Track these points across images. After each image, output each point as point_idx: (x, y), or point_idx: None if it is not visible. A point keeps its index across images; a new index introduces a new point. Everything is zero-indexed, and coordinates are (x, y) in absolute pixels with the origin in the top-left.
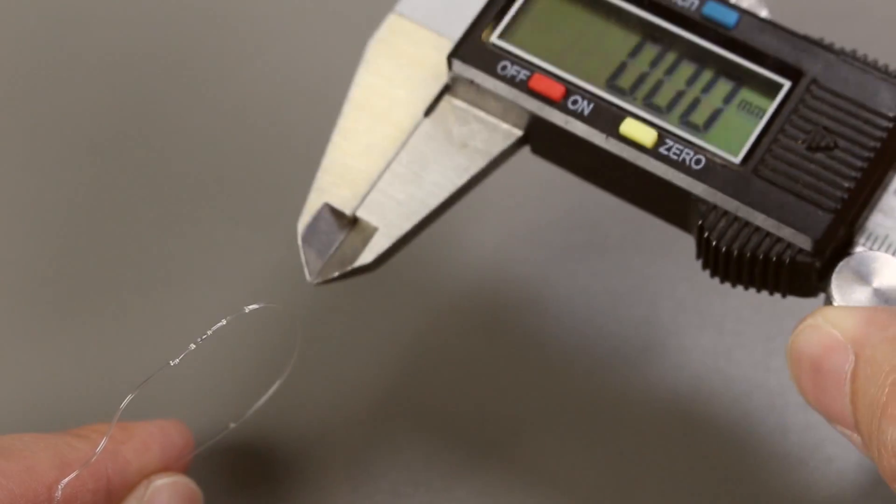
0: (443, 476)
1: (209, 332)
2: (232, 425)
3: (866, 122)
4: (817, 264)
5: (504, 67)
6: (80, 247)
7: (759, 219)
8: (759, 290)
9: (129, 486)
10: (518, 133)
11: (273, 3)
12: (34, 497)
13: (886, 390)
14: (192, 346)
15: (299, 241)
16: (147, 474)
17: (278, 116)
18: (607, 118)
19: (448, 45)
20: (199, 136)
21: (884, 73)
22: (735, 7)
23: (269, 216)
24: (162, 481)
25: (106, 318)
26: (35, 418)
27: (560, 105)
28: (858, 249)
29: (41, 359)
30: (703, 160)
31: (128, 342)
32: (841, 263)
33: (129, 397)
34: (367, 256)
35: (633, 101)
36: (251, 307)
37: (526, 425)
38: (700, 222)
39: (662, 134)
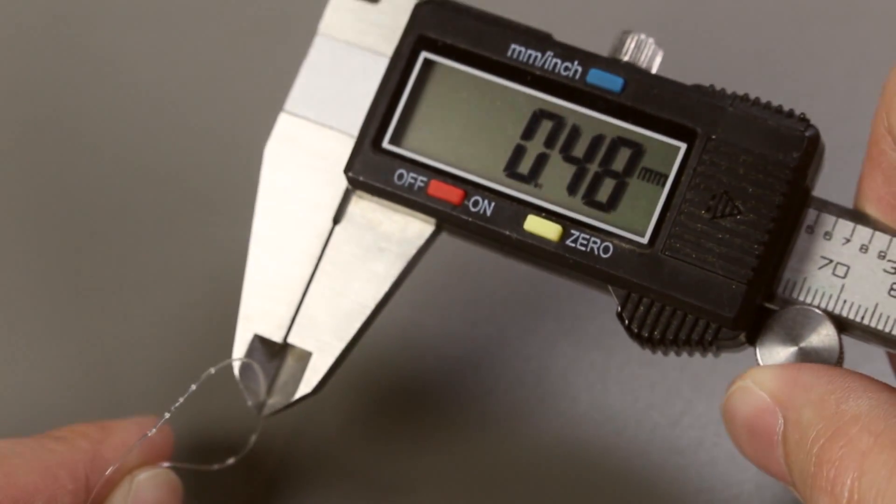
0: None
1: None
2: (230, 460)
3: (768, 174)
4: (741, 337)
5: (400, 176)
6: (63, 247)
7: (675, 301)
8: (691, 356)
9: (112, 484)
10: (431, 228)
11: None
12: (14, 503)
13: (814, 460)
14: (181, 400)
15: (237, 378)
16: (128, 471)
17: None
18: (510, 216)
19: (343, 139)
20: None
21: (779, 114)
22: (622, 67)
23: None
24: (144, 475)
25: (85, 319)
26: (15, 420)
27: (462, 209)
28: (776, 307)
29: (19, 359)
30: (611, 247)
31: (105, 343)
32: (763, 330)
33: (137, 442)
34: (307, 386)
35: (534, 190)
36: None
37: (420, 482)
38: (618, 309)
39: (567, 225)
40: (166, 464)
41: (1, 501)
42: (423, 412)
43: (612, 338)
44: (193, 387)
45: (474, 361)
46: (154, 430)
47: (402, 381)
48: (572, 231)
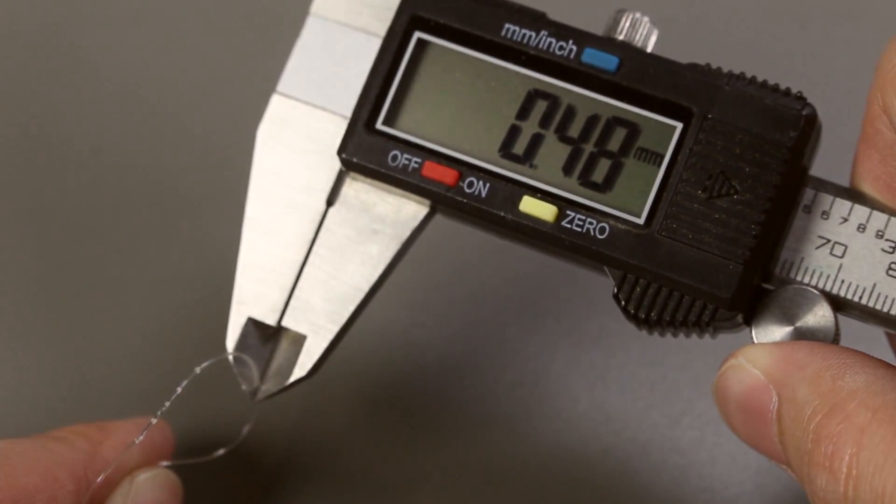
0: None
1: (186, 382)
2: (220, 451)
3: (765, 154)
4: (739, 318)
5: (394, 157)
6: (59, 248)
7: (671, 282)
8: (688, 337)
9: (112, 485)
10: (425, 209)
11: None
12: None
13: (811, 436)
14: (178, 389)
15: (231, 362)
16: (128, 471)
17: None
18: (505, 197)
19: (337, 120)
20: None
21: (776, 92)
22: (617, 46)
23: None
24: (144, 476)
25: (81, 319)
26: (14, 420)
27: (456, 190)
28: (773, 287)
29: (18, 360)
30: (607, 228)
31: (102, 342)
32: (759, 310)
33: (136, 440)
34: (301, 370)
35: (530, 170)
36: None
37: (420, 482)
38: (615, 291)
39: (562, 206)
40: (164, 463)
41: (1, 501)
42: (422, 412)
43: (612, 338)
44: (178, 389)
45: (474, 361)
46: (143, 433)
47: (402, 380)
48: (568, 212)
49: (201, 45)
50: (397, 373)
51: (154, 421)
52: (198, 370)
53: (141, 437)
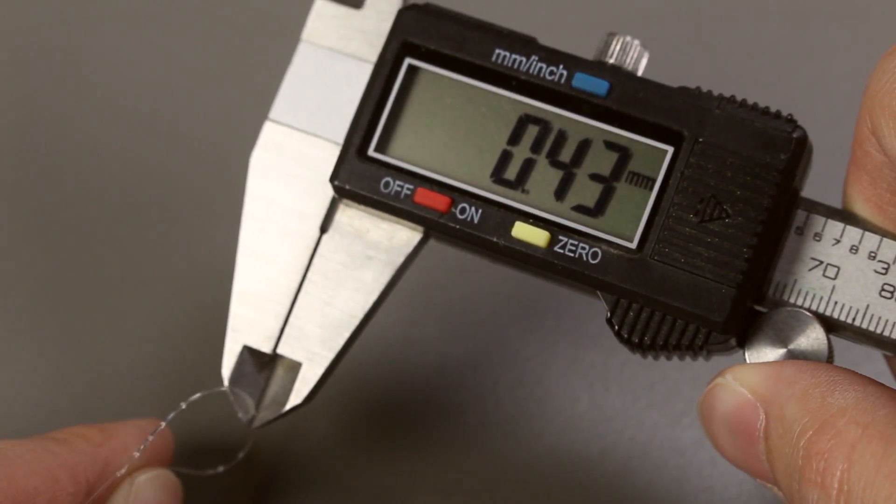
0: None
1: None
2: (220, 468)
3: (756, 177)
4: (732, 341)
5: (387, 184)
6: (62, 251)
7: (665, 306)
8: (682, 360)
9: (112, 487)
10: (419, 235)
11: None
12: None
13: (801, 453)
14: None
15: (227, 390)
16: (128, 473)
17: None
18: (497, 223)
19: (329, 147)
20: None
21: (766, 115)
22: (608, 70)
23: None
24: (144, 477)
25: (84, 321)
26: (15, 421)
27: (449, 216)
28: (765, 310)
29: (19, 361)
30: (599, 253)
31: (104, 345)
32: (752, 332)
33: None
34: (297, 397)
35: (521, 196)
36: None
37: (419, 484)
38: (608, 315)
39: (555, 231)
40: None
41: (1, 503)
42: (422, 413)
43: (612, 338)
44: (163, 424)
45: (474, 362)
46: (148, 441)
47: (401, 381)
48: (560, 237)
49: (200, 48)
50: (397, 373)
51: (150, 438)
52: (183, 405)
53: (143, 447)
